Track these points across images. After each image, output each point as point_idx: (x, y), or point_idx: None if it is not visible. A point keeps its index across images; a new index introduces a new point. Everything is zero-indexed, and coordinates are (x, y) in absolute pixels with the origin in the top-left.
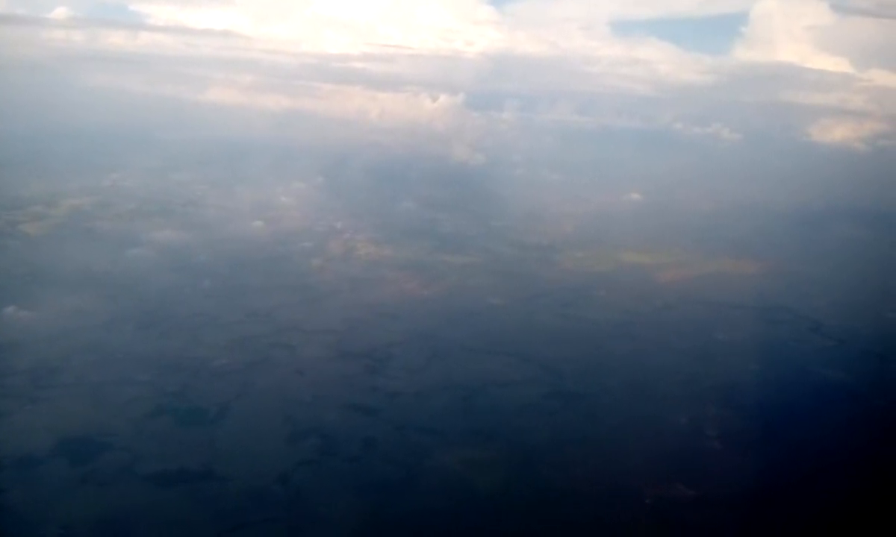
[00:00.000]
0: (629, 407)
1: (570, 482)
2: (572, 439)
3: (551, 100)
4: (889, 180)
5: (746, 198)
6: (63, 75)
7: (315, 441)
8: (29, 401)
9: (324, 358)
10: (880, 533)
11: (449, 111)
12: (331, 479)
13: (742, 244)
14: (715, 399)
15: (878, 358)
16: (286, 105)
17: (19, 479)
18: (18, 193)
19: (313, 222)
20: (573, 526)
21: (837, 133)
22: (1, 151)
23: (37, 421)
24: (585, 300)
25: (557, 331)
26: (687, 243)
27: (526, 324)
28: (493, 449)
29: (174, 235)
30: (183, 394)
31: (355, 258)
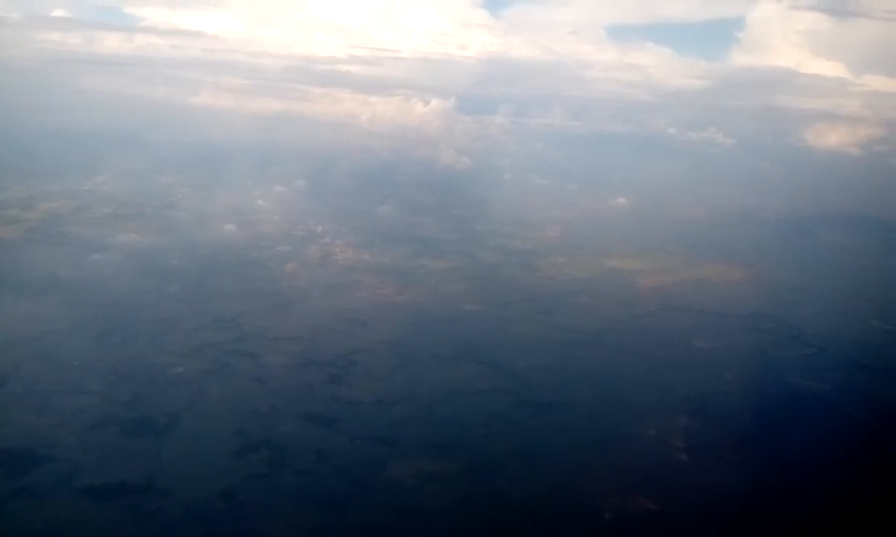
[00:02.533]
0: (597, 417)
1: (527, 496)
2: (535, 451)
3: (545, 104)
4: (882, 186)
5: (737, 203)
6: (58, 78)
7: (265, 453)
8: None
9: (286, 366)
10: None
11: (440, 115)
12: (277, 494)
13: (729, 250)
14: (686, 409)
15: (858, 367)
16: (277, 108)
17: None
18: None
19: (293, 226)
20: None
21: (832, 138)
22: None
23: None
24: (564, 307)
25: (531, 339)
26: (673, 249)
27: (499, 332)
28: (451, 462)
29: (147, 239)
30: (134, 403)
31: (332, 263)
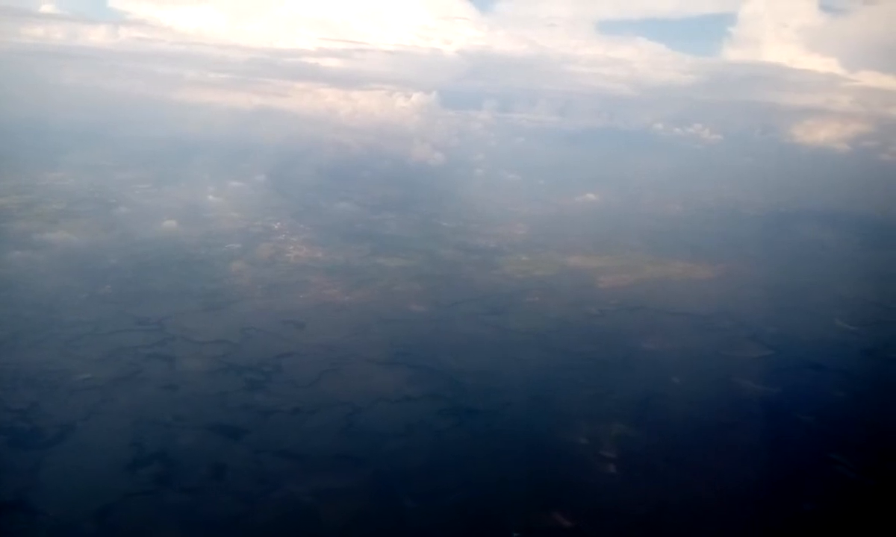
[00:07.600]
0: (526, 425)
1: (430, 512)
2: (450, 463)
3: (530, 99)
4: (867, 182)
5: (716, 200)
6: (37, 72)
7: (156, 468)
8: None
9: (204, 371)
10: None
11: (421, 110)
12: (157, 514)
13: (700, 248)
14: (622, 415)
15: (812, 368)
16: (257, 103)
17: None
18: None
19: (250, 223)
20: None
21: (821, 134)
22: None
23: None
24: (515, 307)
25: (474, 341)
26: (641, 247)
27: (442, 334)
28: (357, 477)
29: (90, 237)
30: (28, 412)
31: (282, 261)
